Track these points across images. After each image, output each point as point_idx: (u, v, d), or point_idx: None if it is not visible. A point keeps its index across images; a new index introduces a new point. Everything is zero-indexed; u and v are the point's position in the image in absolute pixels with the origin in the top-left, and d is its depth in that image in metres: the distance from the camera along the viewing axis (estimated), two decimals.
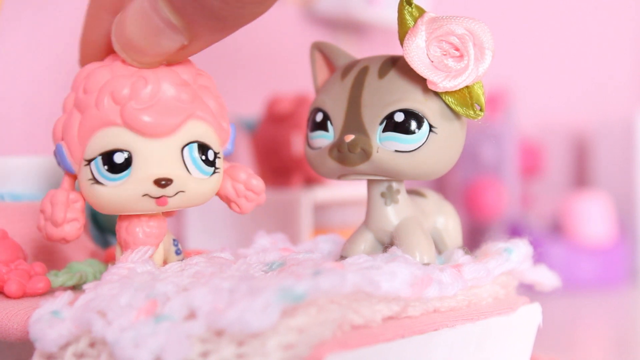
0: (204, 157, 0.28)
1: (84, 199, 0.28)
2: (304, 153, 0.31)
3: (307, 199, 0.50)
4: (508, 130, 0.79)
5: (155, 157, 0.27)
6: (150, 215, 0.29)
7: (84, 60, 0.29)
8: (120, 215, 0.29)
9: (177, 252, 0.31)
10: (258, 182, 0.30)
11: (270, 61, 0.65)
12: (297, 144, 0.51)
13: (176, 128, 0.27)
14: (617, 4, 1.10)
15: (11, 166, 0.37)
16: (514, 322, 0.29)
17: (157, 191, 0.27)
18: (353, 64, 0.30)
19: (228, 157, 0.30)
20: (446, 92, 0.28)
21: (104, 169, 0.27)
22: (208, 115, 0.28)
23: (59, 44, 0.50)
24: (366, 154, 0.28)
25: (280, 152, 0.52)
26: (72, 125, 0.27)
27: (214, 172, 0.29)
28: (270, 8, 0.25)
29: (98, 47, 0.29)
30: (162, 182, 0.27)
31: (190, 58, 0.29)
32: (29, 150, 0.49)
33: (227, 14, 0.25)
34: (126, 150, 0.27)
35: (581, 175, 1.00)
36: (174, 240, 0.31)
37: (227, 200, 0.30)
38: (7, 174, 0.36)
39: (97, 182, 0.27)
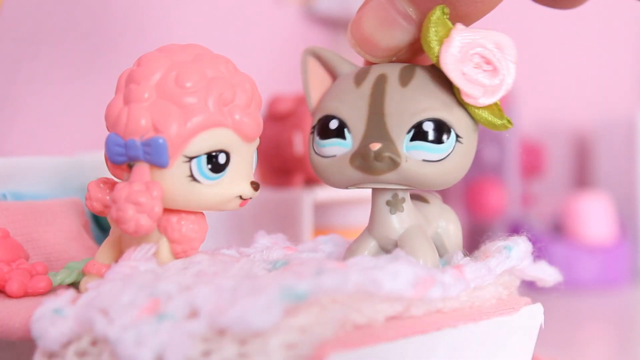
0: None
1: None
2: (306, 156, 0.31)
3: (307, 199, 0.50)
4: (508, 130, 0.78)
5: (247, 160, 0.28)
6: (192, 213, 0.29)
7: None
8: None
9: None
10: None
11: (270, 61, 0.64)
12: (298, 143, 0.51)
13: (259, 134, 0.29)
14: (618, 4, 1.10)
15: (13, 166, 0.37)
16: (517, 322, 0.29)
17: (251, 193, 0.28)
18: (365, 70, 0.29)
19: None
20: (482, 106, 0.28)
21: (206, 167, 0.27)
22: None
23: (62, 43, 0.50)
24: (394, 163, 0.28)
25: (281, 152, 0.52)
26: (170, 120, 0.27)
27: None
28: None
29: None
30: (254, 185, 0.28)
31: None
32: (31, 150, 0.49)
33: (470, 10, 0.26)
34: (228, 152, 0.28)
35: (582, 175, 1.00)
36: None
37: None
38: (9, 174, 0.36)
39: (194, 179, 0.27)
